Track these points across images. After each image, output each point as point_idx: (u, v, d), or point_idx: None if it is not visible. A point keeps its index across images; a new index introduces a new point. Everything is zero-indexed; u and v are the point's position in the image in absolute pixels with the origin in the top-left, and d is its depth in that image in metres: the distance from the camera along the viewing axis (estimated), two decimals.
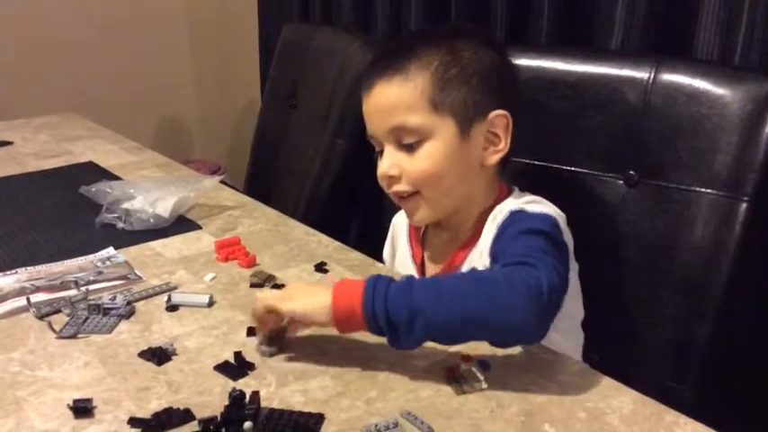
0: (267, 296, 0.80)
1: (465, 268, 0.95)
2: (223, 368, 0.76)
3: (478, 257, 0.93)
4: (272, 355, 0.79)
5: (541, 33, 1.33)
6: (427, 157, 0.92)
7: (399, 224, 1.11)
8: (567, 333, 0.93)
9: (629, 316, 1.06)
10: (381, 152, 0.96)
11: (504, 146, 0.94)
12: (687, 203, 0.99)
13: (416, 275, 1.01)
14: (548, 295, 0.73)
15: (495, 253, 0.86)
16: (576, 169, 1.09)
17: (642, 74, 1.03)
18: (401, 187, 0.94)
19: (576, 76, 1.10)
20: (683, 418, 0.68)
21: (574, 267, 0.92)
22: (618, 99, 1.05)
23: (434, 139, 0.91)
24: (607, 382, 0.74)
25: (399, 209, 1.03)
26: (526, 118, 1.10)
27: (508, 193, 0.98)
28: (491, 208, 0.95)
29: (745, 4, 1.07)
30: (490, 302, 0.73)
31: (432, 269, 1.02)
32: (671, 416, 0.69)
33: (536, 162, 1.12)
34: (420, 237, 1.06)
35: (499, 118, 0.93)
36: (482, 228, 0.95)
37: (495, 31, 1.43)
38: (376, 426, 0.66)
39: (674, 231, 1.00)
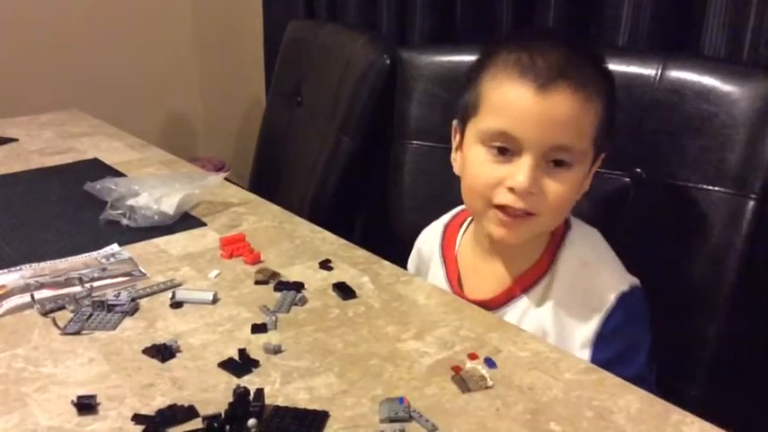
0: None
1: (522, 305, 0.92)
2: (227, 365, 0.76)
3: (554, 300, 0.90)
4: None
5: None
6: (570, 185, 0.85)
7: (427, 242, 1.06)
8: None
9: None
10: (501, 151, 0.85)
11: (588, 185, 0.92)
12: (695, 201, 0.99)
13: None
14: None
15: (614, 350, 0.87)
16: None
17: (649, 71, 1.03)
18: (529, 207, 0.84)
19: None
20: (690, 417, 0.68)
21: None
22: (625, 96, 1.04)
23: (578, 169, 0.86)
24: (613, 381, 0.73)
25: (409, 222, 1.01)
26: None
27: (566, 224, 0.94)
28: (555, 240, 0.92)
29: (753, 0, 1.06)
30: None
31: (474, 292, 0.96)
32: (678, 414, 0.68)
33: None
34: (455, 255, 1.01)
35: (601, 160, 0.92)
36: (549, 261, 0.91)
37: (501, 30, 1.42)
38: None
39: (682, 229, 1.00)
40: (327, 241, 1.09)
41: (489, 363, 0.76)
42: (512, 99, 0.84)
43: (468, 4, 1.52)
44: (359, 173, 1.49)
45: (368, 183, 1.52)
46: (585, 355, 0.88)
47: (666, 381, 0.95)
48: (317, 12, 1.96)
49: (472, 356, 0.77)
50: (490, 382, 0.73)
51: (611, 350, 0.88)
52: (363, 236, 1.37)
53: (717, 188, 0.97)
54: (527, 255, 0.93)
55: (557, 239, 0.93)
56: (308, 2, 1.99)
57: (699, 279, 0.99)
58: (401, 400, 0.69)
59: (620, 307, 0.88)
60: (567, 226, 0.94)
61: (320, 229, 1.14)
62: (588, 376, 0.74)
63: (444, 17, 1.56)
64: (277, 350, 0.78)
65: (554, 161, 0.84)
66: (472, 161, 0.88)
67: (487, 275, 0.95)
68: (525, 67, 0.83)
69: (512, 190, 0.84)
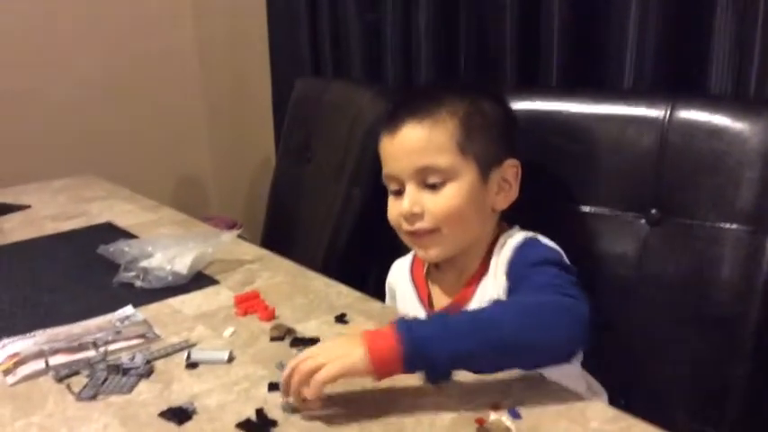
0: (300, 366, 0.76)
1: (477, 298, 1.00)
2: (245, 426, 0.74)
3: (491, 284, 0.98)
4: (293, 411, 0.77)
5: (552, 76, 1.33)
6: (452, 197, 0.97)
7: (395, 277, 1.15)
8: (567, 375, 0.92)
9: (658, 358, 1.03)
10: (397, 192, 1.01)
11: (514, 193, 1.02)
12: (712, 240, 0.97)
13: (424, 313, 1.04)
14: (584, 320, 0.79)
15: (516, 277, 0.93)
16: (598, 210, 1.07)
17: (658, 112, 1.03)
18: (423, 225, 0.98)
19: (591, 118, 1.09)
20: None
21: None
22: (635, 139, 1.04)
23: (459, 181, 0.97)
24: (642, 428, 0.71)
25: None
26: (544, 161, 1.10)
27: (509, 228, 1.04)
28: (494, 242, 1.02)
29: (757, 37, 1.06)
30: (533, 326, 0.79)
31: (441, 305, 1.05)
32: None
33: (555, 203, 1.11)
34: (424, 280, 1.09)
35: (511, 167, 1.02)
36: (489, 259, 1.00)
37: (505, 77, 1.43)
38: None
39: (700, 269, 0.98)
40: (342, 294, 1.08)
41: (513, 413, 0.74)
42: (382, 148, 1.03)
43: (471, 56, 1.54)
44: (371, 224, 1.48)
45: (380, 234, 1.51)
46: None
47: (692, 427, 0.93)
48: (324, 69, 1.99)
49: (495, 407, 0.75)
50: None
51: (516, 277, 0.94)
52: (377, 287, 1.35)
53: (734, 226, 0.96)
54: (471, 263, 1.02)
55: (493, 245, 1.02)
56: (314, 60, 2.02)
57: (721, 319, 0.96)
58: None
59: (527, 241, 0.98)
60: (502, 231, 1.03)
61: (334, 282, 1.13)
62: (616, 424, 0.72)
63: (448, 69, 1.58)
64: (294, 409, 0.76)
65: (431, 183, 0.97)
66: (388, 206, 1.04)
67: (446, 289, 1.06)
68: (386, 121, 1.02)
69: (404, 216, 0.99)
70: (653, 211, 1.02)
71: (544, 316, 0.80)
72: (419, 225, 0.98)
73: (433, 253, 1.00)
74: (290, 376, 0.76)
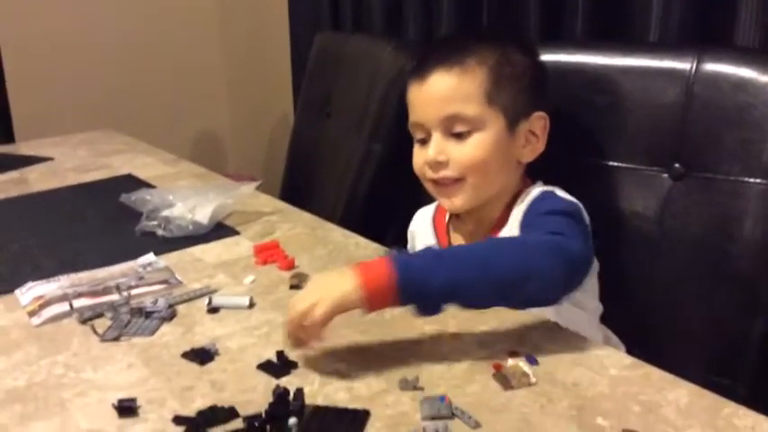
0: (294, 311, 0.74)
1: None
2: (266, 367, 0.75)
3: (509, 236, 0.97)
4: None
5: (576, 28, 1.31)
6: (478, 146, 0.97)
7: (417, 225, 1.15)
8: (582, 324, 0.92)
9: (678, 312, 1.03)
10: (423, 141, 1.01)
11: (541, 145, 1.01)
12: (736, 194, 0.96)
13: None
14: (575, 261, 0.80)
15: (525, 225, 0.93)
16: (620, 164, 1.06)
17: (684, 65, 1.01)
18: (448, 173, 0.98)
19: (616, 70, 1.08)
20: (741, 410, 0.66)
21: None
22: (660, 91, 1.03)
23: (485, 131, 0.97)
24: (660, 375, 0.72)
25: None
26: (568, 114, 1.09)
27: (532, 184, 1.04)
28: (517, 196, 1.01)
29: None
30: (521, 263, 0.78)
31: None
32: (729, 408, 0.66)
33: (579, 158, 1.10)
34: (445, 229, 1.10)
35: (539, 119, 1.01)
36: (509, 213, 1.00)
37: (528, 28, 1.41)
38: (424, 430, 0.64)
39: (724, 223, 0.97)
40: (360, 246, 1.09)
41: (531, 360, 0.74)
42: (410, 96, 1.02)
43: (492, 9, 1.51)
44: (390, 178, 1.48)
45: (399, 189, 1.51)
46: None
47: (711, 379, 0.93)
48: (343, 23, 1.97)
49: (512, 354, 0.76)
50: (533, 379, 0.71)
51: (525, 226, 0.94)
52: (396, 241, 1.36)
53: (758, 180, 0.94)
54: (492, 213, 1.02)
55: (515, 198, 1.01)
56: (333, 14, 2.00)
57: (742, 274, 0.96)
58: (442, 398, 0.68)
59: (543, 194, 0.99)
60: (525, 187, 1.03)
61: (353, 234, 1.14)
62: (634, 371, 0.73)
63: (470, 22, 1.56)
64: (415, 386, 0.71)
65: (457, 132, 0.97)
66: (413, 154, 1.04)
67: (467, 239, 1.07)
68: (415, 68, 1.02)
69: (429, 164, 0.99)
70: (676, 165, 1.01)
71: (529, 250, 0.80)
72: (443, 173, 0.98)
73: (458, 202, 1.00)
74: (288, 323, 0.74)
